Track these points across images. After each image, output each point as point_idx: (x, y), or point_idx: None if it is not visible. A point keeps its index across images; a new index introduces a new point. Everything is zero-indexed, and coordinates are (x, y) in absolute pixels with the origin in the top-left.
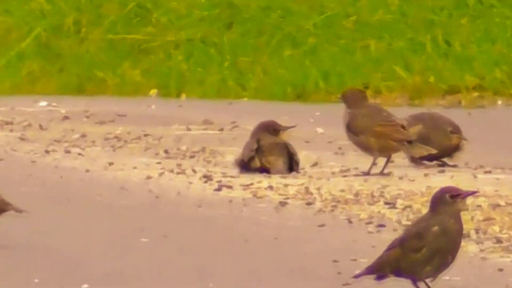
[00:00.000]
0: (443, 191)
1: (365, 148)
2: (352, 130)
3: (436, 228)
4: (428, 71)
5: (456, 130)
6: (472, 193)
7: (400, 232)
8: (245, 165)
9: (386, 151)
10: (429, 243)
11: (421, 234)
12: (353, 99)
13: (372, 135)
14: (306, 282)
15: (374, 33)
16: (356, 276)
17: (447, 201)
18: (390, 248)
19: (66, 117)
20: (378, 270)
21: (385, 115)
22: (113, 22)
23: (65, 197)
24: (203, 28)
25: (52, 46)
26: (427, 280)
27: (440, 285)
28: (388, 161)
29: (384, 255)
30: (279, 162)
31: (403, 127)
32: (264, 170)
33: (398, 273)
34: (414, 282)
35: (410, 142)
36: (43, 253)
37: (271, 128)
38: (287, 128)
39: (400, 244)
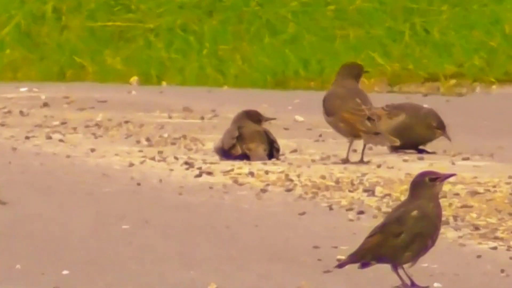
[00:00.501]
0: (423, 175)
1: (336, 129)
2: (325, 108)
3: (415, 212)
4: (407, 58)
5: (441, 126)
6: (450, 175)
7: (380, 219)
8: (225, 153)
9: (355, 137)
10: (408, 228)
11: (401, 219)
12: (342, 73)
13: (339, 119)
14: (287, 268)
15: (353, 21)
16: (340, 266)
17: (427, 184)
18: (372, 234)
19: (46, 104)
20: (361, 257)
21: (357, 101)
22: (93, 10)
23: (47, 183)
24: (183, 16)
25: (32, 34)
26: (406, 266)
27: (419, 272)
28: (364, 148)
29: (366, 242)
30: (260, 149)
31: (370, 118)
32: (244, 156)
33: (380, 259)
34: (395, 268)
35: (376, 133)
36: (24, 239)
37: (254, 118)
38: (268, 119)
39: (381, 230)
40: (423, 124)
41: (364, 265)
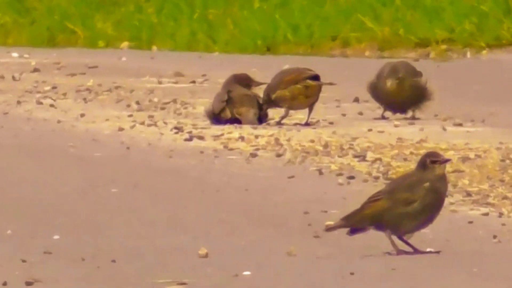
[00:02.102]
0: (426, 156)
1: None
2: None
3: (427, 184)
4: (398, 23)
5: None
6: (447, 160)
7: (371, 184)
8: (215, 116)
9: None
10: (421, 197)
11: (414, 188)
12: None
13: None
14: (277, 232)
15: None
16: (329, 229)
17: (428, 165)
18: (375, 200)
19: (37, 69)
20: (357, 222)
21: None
22: None
23: (37, 148)
24: None
25: None
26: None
27: (410, 239)
28: (310, 112)
29: (366, 206)
30: (250, 113)
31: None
32: (235, 120)
33: (379, 226)
34: (395, 235)
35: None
36: (15, 204)
37: (244, 82)
38: (259, 83)
39: (389, 196)
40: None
41: (355, 231)
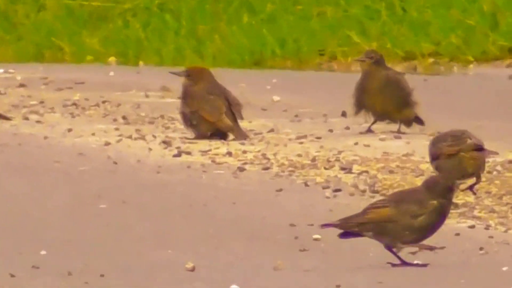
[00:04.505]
0: (447, 179)
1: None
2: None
3: (435, 202)
4: (384, 37)
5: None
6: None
7: (357, 197)
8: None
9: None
10: (428, 213)
11: (423, 203)
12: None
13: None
14: (264, 246)
15: (330, 0)
16: (324, 226)
17: (449, 189)
18: (379, 206)
19: (23, 84)
20: (357, 225)
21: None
22: None
23: (24, 163)
24: None
25: (9, 14)
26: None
27: (397, 250)
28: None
29: (370, 212)
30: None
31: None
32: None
33: (379, 233)
34: (389, 247)
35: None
36: (2, 220)
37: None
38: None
39: (395, 205)
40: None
41: (348, 234)
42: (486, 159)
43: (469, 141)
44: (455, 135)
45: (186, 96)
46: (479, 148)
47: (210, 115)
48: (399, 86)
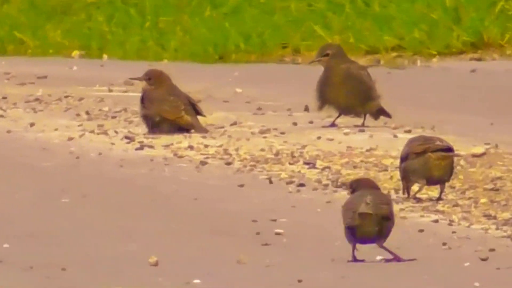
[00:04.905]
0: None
1: None
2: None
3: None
4: (348, 31)
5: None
6: None
7: (321, 192)
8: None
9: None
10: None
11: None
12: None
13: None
14: (226, 241)
15: None
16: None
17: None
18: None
19: None
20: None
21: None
22: None
23: None
24: None
25: None
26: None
27: (361, 245)
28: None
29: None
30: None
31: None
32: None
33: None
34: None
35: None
36: None
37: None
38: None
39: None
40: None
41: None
42: (454, 165)
43: (438, 142)
44: (427, 137)
45: (145, 100)
46: (447, 149)
47: (170, 114)
48: (361, 80)
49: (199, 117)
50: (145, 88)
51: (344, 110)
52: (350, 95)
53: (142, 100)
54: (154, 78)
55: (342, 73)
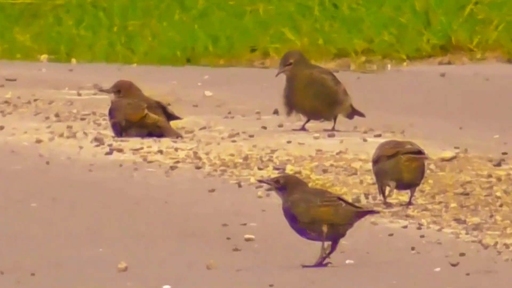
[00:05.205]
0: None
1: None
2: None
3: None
4: (317, 33)
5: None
6: None
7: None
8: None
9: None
10: None
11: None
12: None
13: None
14: (196, 245)
15: None
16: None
17: None
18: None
19: None
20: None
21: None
22: None
23: None
24: None
25: None
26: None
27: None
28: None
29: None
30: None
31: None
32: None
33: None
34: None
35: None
36: None
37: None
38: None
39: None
40: None
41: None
42: (426, 170)
43: (409, 146)
44: (398, 141)
45: (112, 111)
46: (417, 152)
47: (133, 115)
48: (324, 84)
49: (173, 122)
50: (113, 100)
51: (312, 115)
52: (315, 100)
53: (110, 112)
54: (124, 91)
55: (305, 79)
